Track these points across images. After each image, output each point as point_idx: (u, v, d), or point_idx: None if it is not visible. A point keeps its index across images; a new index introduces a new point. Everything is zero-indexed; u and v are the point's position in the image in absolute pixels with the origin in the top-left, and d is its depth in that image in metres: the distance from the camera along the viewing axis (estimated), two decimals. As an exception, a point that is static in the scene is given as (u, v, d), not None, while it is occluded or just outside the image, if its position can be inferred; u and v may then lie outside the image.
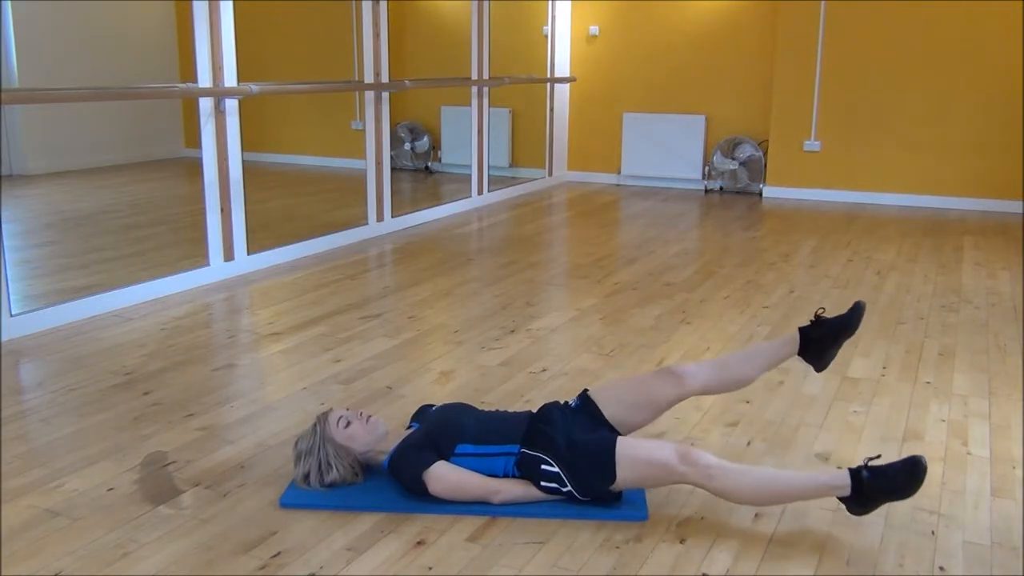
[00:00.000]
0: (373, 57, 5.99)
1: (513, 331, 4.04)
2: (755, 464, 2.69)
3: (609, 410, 2.58)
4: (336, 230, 5.88)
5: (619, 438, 2.42)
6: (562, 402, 2.67)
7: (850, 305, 2.68)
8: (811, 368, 3.17)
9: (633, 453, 2.37)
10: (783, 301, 4.55)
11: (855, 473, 2.27)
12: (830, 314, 2.74)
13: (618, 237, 6.21)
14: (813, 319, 2.70)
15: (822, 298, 4.59)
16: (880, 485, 2.25)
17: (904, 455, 2.78)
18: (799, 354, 2.70)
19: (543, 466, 2.42)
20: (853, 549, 2.26)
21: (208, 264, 4.87)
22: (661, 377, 2.59)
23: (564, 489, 2.41)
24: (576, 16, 8.61)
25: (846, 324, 2.66)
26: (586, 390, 2.65)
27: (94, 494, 2.52)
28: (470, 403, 3.01)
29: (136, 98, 6.65)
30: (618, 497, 2.44)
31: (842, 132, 7.66)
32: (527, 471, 2.44)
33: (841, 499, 2.32)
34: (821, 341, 2.67)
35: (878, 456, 2.34)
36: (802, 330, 2.70)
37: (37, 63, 7.02)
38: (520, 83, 7.96)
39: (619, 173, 8.65)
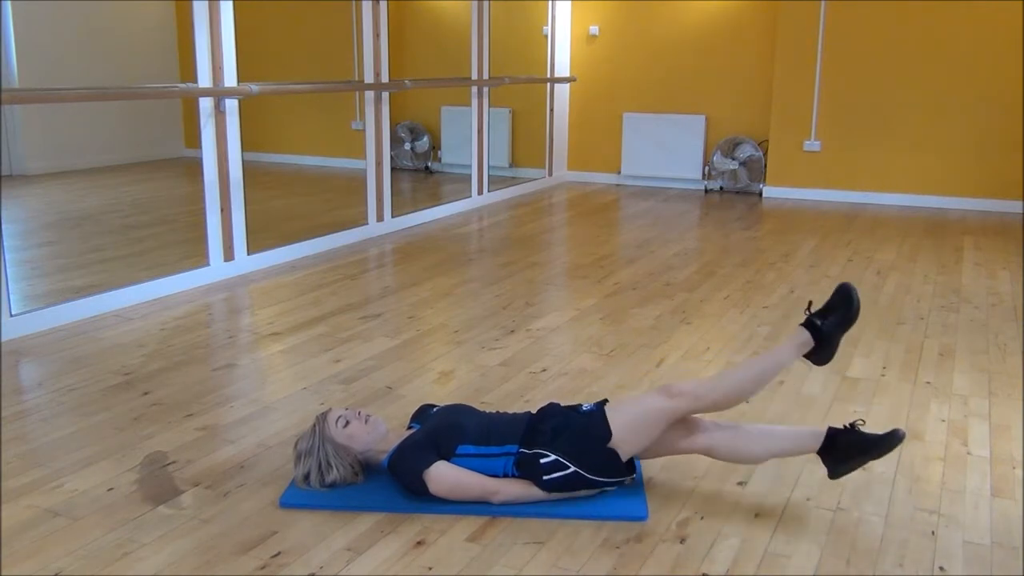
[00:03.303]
0: (373, 57, 5.99)
1: (513, 331, 4.04)
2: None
3: (618, 432, 2.44)
4: (336, 230, 5.88)
5: (605, 406, 2.51)
6: (571, 404, 2.66)
7: (889, 430, 2.41)
8: (813, 368, 3.18)
9: (622, 409, 2.47)
10: (783, 301, 4.55)
11: (809, 324, 2.55)
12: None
13: (618, 237, 6.21)
14: (848, 425, 2.44)
15: (822, 298, 4.58)
16: (832, 320, 2.51)
17: (904, 455, 2.79)
18: (818, 453, 2.47)
19: (541, 460, 2.42)
20: (853, 549, 2.27)
21: (208, 264, 4.87)
22: (675, 426, 2.48)
23: (569, 471, 2.40)
24: (576, 16, 8.61)
25: (877, 446, 2.38)
26: (605, 401, 2.56)
27: (94, 494, 2.52)
28: (470, 403, 3.01)
29: (136, 98, 6.65)
30: (630, 467, 2.47)
31: (842, 132, 7.66)
32: (527, 471, 2.44)
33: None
34: (846, 451, 2.42)
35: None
36: (830, 432, 2.46)
37: (37, 63, 7.02)
38: (520, 83, 7.96)
39: (619, 173, 8.65)
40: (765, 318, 4.26)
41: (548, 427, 2.50)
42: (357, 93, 6.47)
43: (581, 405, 2.62)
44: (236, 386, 3.36)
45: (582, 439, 2.43)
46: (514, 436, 2.49)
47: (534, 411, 2.66)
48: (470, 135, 7.39)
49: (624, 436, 2.42)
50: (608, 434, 2.41)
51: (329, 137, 7.98)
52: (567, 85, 8.68)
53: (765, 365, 2.56)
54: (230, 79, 4.84)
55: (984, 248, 5.86)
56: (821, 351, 2.60)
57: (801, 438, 2.50)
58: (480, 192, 7.52)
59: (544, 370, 3.54)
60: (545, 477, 2.42)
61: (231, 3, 4.78)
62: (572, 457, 2.41)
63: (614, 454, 2.41)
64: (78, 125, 7.45)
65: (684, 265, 5.32)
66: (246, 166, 5.02)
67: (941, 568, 2.19)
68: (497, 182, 7.82)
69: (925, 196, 7.50)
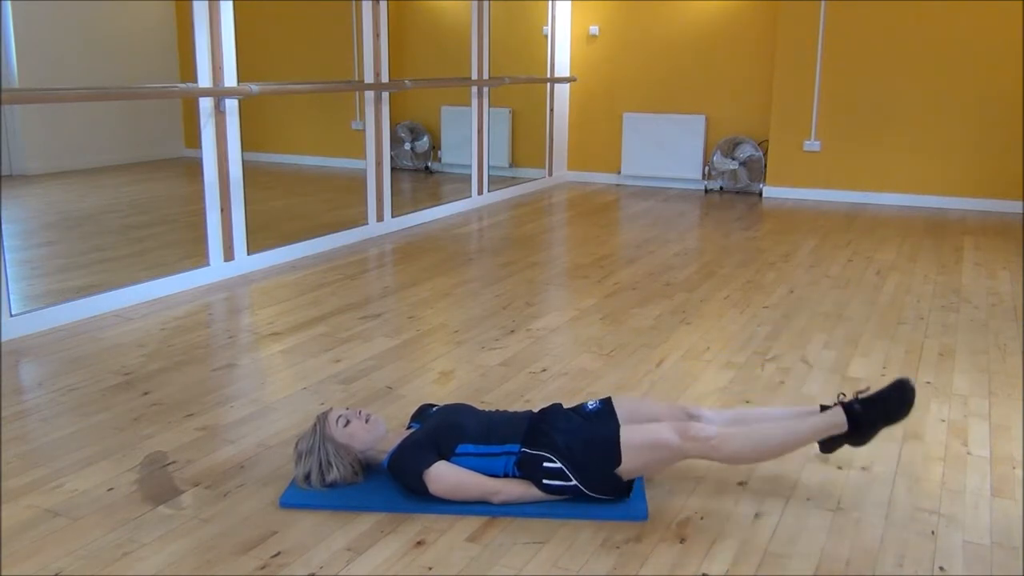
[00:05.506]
0: (373, 57, 5.99)
1: (513, 331, 4.04)
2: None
3: (628, 461, 2.45)
4: (336, 230, 5.88)
5: (622, 426, 2.44)
6: (576, 404, 2.67)
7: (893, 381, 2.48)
8: (812, 369, 3.17)
9: (635, 438, 2.40)
10: (783, 301, 4.55)
11: (848, 408, 2.38)
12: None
13: (618, 237, 6.21)
14: (857, 396, 2.48)
15: (822, 297, 4.59)
16: (874, 413, 2.37)
17: (904, 455, 2.79)
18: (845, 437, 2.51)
19: (545, 463, 2.42)
20: (853, 549, 2.27)
21: (208, 264, 4.87)
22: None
23: (569, 484, 2.40)
24: (576, 16, 8.61)
25: (896, 407, 2.45)
26: (610, 398, 2.63)
27: (94, 494, 2.52)
28: (470, 403, 3.01)
29: (136, 98, 6.65)
30: (628, 488, 2.44)
31: (842, 132, 7.66)
32: (528, 471, 2.44)
33: (838, 436, 2.45)
34: (871, 424, 2.46)
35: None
36: (847, 408, 2.47)
37: (37, 63, 7.02)
38: (520, 83, 7.96)
39: (619, 173, 8.65)
40: (765, 318, 4.26)
41: (553, 428, 2.49)
42: (357, 93, 6.47)
43: (585, 404, 2.62)
44: (236, 386, 3.36)
45: (591, 453, 2.41)
46: (516, 435, 2.49)
47: (535, 411, 2.66)
48: (470, 135, 7.39)
49: (632, 467, 2.40)
50: (618, 461, 2.38)
51: (329, 137, 7.98)
52: (567, 85, 8.68)
53: (791, 436, 2.43)
54: (230, 79, 4.84)
55: (984, 248, 5.86)
56: (852, 438, 2.50)
57: (823, 425, 2.47)
58: (480, 192, 7.52)
59: (544, 370, 3.54)
60: (545, 481, 2.42)
61: (231, 3, 4.78)
62: (577, 469, 2.40)
63: (618, 478, 2.41)
64: (78, 125, 7.45)
65: (684, 265, 5.32)
66: (246, 166, 5.02)
67: (941, 568, 2.19)
68: (497, 182, 7.82)
69: (925, 196, 7.50)
